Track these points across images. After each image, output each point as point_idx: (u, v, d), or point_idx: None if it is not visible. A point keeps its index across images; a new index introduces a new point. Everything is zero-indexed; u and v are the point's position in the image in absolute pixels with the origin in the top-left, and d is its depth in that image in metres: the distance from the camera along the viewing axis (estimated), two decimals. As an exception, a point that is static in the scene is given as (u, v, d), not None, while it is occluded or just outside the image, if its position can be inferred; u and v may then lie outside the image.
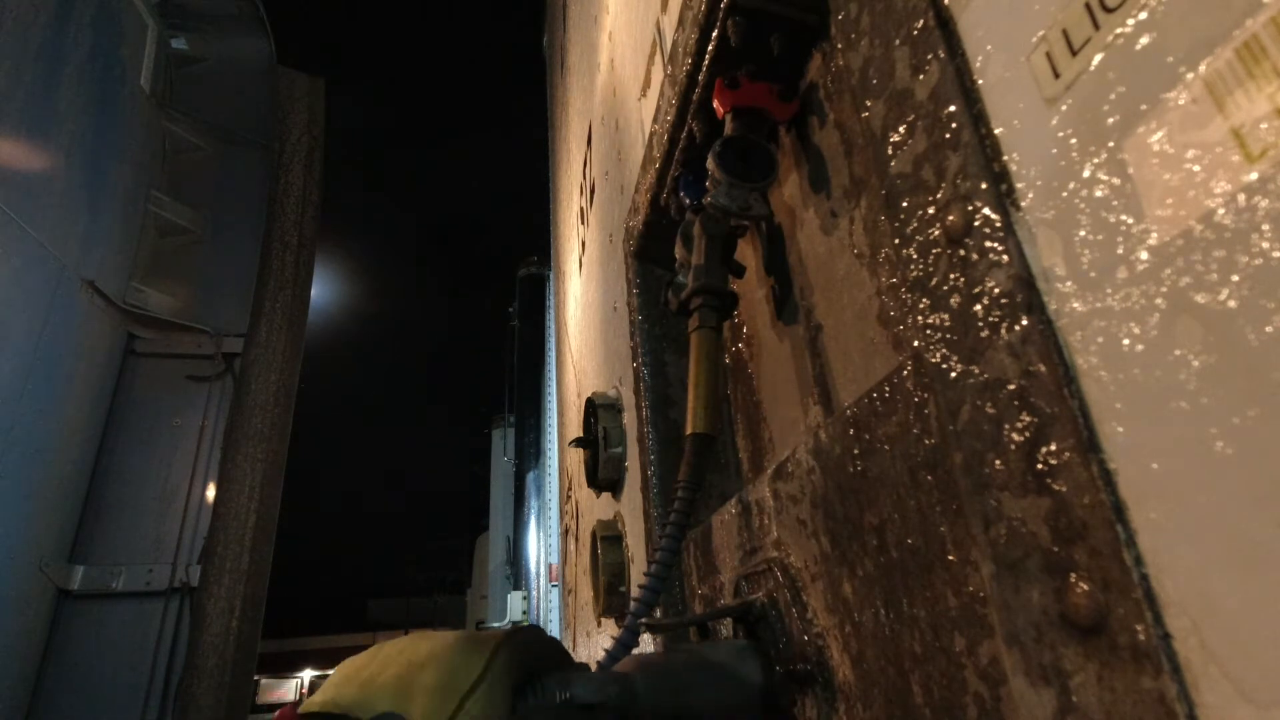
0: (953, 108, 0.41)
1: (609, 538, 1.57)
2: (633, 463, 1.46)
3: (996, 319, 0.37)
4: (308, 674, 17.63)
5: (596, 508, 1.96)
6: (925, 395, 0.45)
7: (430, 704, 0.48)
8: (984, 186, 0.38)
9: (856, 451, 0.54)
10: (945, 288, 0.41)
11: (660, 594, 0.71)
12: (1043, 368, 0.33)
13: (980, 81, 0.40)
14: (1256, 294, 0.25)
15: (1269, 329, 0.24)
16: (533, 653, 0.55)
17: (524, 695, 0.53)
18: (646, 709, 0.57)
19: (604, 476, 1.64)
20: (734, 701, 0.61)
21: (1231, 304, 0.26)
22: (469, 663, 0.51)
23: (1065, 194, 0.34)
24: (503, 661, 0.52)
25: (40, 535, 3.03)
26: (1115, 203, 0.31)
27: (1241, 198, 0.26)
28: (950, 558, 0.43)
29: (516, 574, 8.90)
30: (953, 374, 0.40)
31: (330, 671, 0.58)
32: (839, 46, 0.59)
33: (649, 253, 1.27)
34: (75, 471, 3.27)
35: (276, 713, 0.48)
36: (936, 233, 0.42)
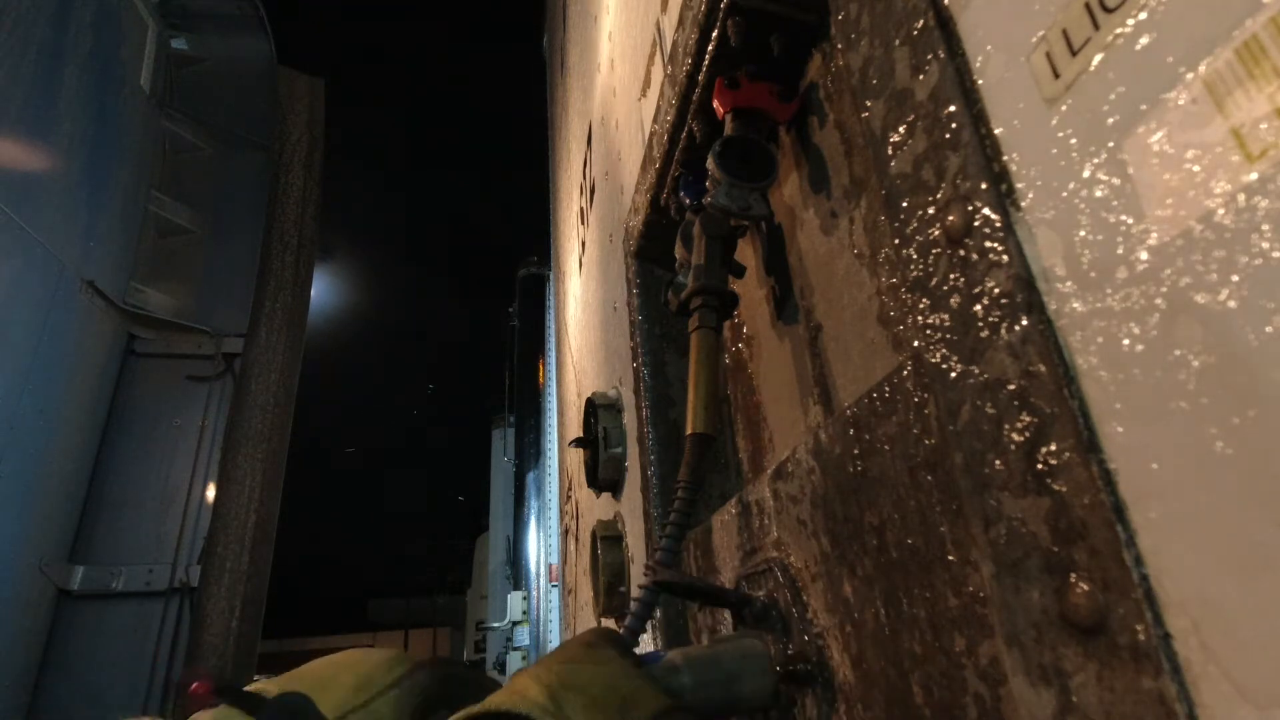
0: (953, 108, 0.41)
1: (609, 538, 1.57)
2: (633, 463, 1.46)
3: (996, 319, 0.37)
4: (308, 674, 17.56)
5: (596, 508, 1.96)
6: (925, 395, 0.45)
7: (339, 696, 0.53)
8: (984, 186, 0.38)
9: (856, 451, 0.54)
10: (945, 288, 0.41)
11: (660, 594, 0.71)
12: (1043, 368, 0.33)
13: (980, 81, 0.40)
14: (1256, 294, 0.25)
15: (1269, 329, 0.24)
16: (452, 683, 0.59)
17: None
18: (696, 701, 0.58)
19: (604, 476, 1.64)
20: (772, 688, 0.61)
21: (1231, 304, 0.26)
22: (386, 671, 0.56)
23: (1065, 194, 0.34)
24: (418, 679, 0.56)
25: (40, 535, 3.03)
26: (1115, 203, 0.31)
27: (1241, 198, 0.26)
28: (950, 558, 0.43)
29: (516, 574, 8.89)
30: (953, 374, 0.40)
31: None
32: (839, 46, 0.59)
33: (649, 253, 1.27)
34: (75, 471, 3.27)
35: (195, 685, 0.52)
36: (936, 233, 0.42)
